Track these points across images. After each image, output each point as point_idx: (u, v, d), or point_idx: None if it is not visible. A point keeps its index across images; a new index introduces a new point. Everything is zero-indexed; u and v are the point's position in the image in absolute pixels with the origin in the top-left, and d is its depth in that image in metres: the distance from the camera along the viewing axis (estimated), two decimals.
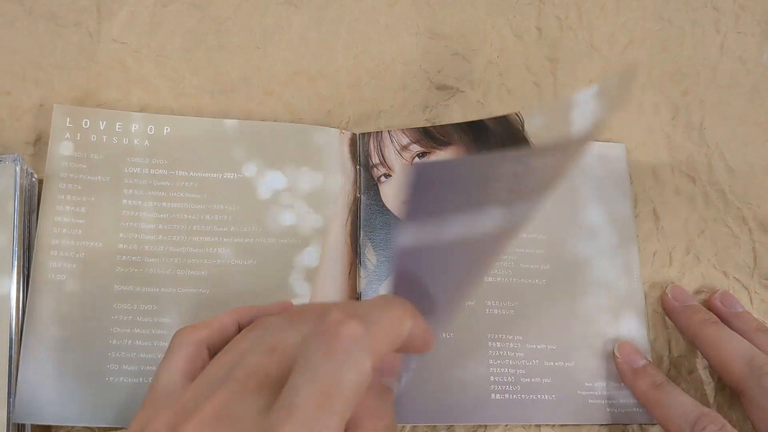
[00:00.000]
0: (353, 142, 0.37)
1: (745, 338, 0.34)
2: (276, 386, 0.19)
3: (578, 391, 0.35)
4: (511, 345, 0.35)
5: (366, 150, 0.37)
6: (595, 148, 0.39)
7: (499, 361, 0.34)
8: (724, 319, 0.36)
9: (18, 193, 0.31)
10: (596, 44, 0.42)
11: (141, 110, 0.36)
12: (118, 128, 0.35)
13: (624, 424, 0.35)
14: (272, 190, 0.35)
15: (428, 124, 0.38)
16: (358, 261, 0.35)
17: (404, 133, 0.37)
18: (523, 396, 0.34)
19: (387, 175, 0.36)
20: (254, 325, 0.23)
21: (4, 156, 0.31)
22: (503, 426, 0.34)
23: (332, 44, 0.39)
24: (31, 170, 0.33)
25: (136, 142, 0.35)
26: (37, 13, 0.36)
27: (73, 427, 0.31)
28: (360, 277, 0.35)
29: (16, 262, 0.30)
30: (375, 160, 0.37)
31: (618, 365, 0.35)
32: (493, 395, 0.34)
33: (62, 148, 0.34)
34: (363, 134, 0.37)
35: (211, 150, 0.35)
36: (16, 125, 0.35)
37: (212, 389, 0.20)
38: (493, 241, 0.21)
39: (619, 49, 0.42)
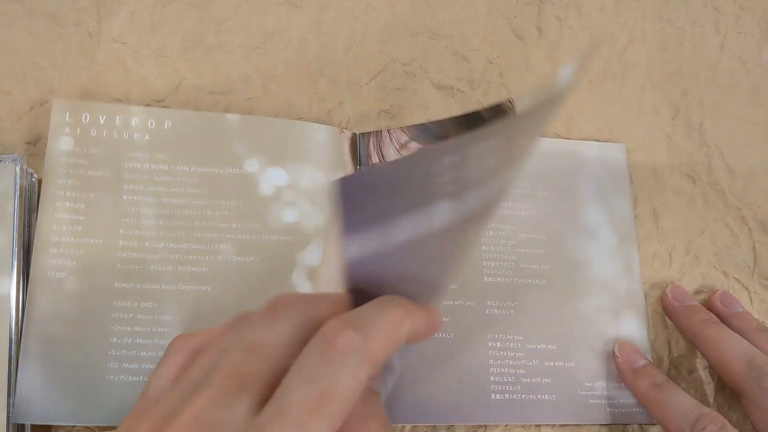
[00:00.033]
0: (353, 142, 0.37)
1: (745, 338, 0.34)
2: (256, 387, 0.19)
3: (578, 391, 0.35)
4: (511, 345, 0.35)
5: (366, 149, 0.37)
6: (595, 148, 0.40)
7: (499, 361, 0.34)
8: (724, 319, 0.36)
9: (18, 193, 0.31)
10: (596, 44, 0.42)
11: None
12: (118, 122, 0.34)
13: (624, 424, 0.35)
14: (274, 187, 0.35)
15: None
16: None
17: (403, 131, 0.37)
18: (523, 396, 0.34)
19: None
20: (234, 322, 0.23)
21: (3, 156, 0.31)
22: (503, 426, 0.34)
23: (332, 44, 0.39)
24: (30, 170, 0.32)
25: (136, 136, 0.34)
26: (37, 13, 0.36)
27: (74, 426, 0.31)
28: None
29: (15, 263, 0.30)
30: (375, 159, 0.37)
31: (618, 365, 0.35)
32: (493, 395, 0.34)
33: (62, 143, 0.33)
34: (363, 134, 0.37)
35: (212, 144, 0.35)
36: (16, 125, 0.35)
37: (191, 393, 0.20)
38: (464, 227, 0.21)
39: (619, 49, 0.43)
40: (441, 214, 0.19)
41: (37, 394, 0.29)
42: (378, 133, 0.37)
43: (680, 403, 0.32)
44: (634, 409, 0.35)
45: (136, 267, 0.32)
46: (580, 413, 0.34)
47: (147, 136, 0.34)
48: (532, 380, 0.34)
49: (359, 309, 0.21)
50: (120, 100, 0.36)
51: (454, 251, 0.22)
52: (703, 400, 0.36)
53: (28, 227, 0.32)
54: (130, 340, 0.31)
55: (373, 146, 0.37)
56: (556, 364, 0.35)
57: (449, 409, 0.33)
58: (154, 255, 0.33)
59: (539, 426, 0.34)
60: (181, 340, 0.23)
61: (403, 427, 0.33)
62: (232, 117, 0.36)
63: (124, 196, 0.33)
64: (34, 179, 0.33)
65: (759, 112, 0.43)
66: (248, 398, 0.19)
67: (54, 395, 0.30)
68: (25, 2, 0.36)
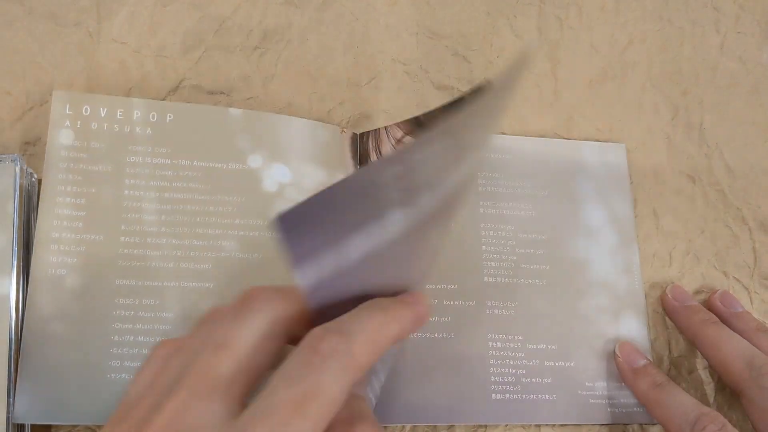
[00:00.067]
0: (353, 142, 0.37)
1: (744, 338, 0.34)
2: (228, 387, 0.19)
3: (579, 391, 0.35)
4: (512, 345, 0.35)
5: (365, 149, 0.37)
6: (596, 148, 0.40)
7: (499, 361, 0.34)
8: (724, 319, 0.36)
9: (18, 193, 0.31)
10: (596, 44, 0.42)
11: None
12: (120, 115, 0.34)
13: (624, 424, 0.35)
14: (278, 183, 0.34)
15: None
16: None
17: (399, 127, 0.37)
18: (523, 396, 0.34)
19: None
20: (204, 319, 0.22)
21: (3, 156, 0.31)
22: (503, 426, 0.34)
23: (332, 44, 0.39)
24: (30, 170, 0.32)
25: (138, 129, 0.34)
26: (37, 13, 0.36)
27: (75, 426, 0.31)
28: None
29: (15, 263, 0.30)
30: (374, 158, 0.37)
31: (618, 365, 0.35)
32: (493, 395, 0.34)
33: (62, 136, 0.33)
34: (362, 134, 0.37)
35: (215, 138, 0.34)
36: (16, 125, 0.35)
37: (164, 397, 0.19)
38: (426, 227, 0.21)
39: (619, 49, 0.43)
40: (394, 223, 0.19)
41: (38, 394, 0.29)
42: (376, 131, 0.37)
43: (680, 402, 0.32)
44: (635, 409, 0.35)
45: (138, 263, 0.32)
46: (581, 413, 0.34)
47: (149, 130, 0.34)
48: (533, 380, 0.34)
49: (343, 316, 0.21)
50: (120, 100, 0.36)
51: (424, 248, 0.22)
52: (703, 400, 0.36)
53: (28, 227, 0.32)
54: (132, 338, 0.31)
55: (372, 145, 0.37)
56: (557, 364, 0.35)
57: (449, 409, 0.33)
58: (155, 251, 0.32)
59: (539, 426, 0.34)
60: (162, 345, 0.23)
61: (403, 427, 0.33)
62: (235, 111, 0.35)
63: (126, 191, 0.33)
64: (33, 179, 0.33)
65: (759, 112, 0.43)
66: (221, 399, 0.19)
67: (54, 395, 0.29)
68: (25, 2, 0.36)
